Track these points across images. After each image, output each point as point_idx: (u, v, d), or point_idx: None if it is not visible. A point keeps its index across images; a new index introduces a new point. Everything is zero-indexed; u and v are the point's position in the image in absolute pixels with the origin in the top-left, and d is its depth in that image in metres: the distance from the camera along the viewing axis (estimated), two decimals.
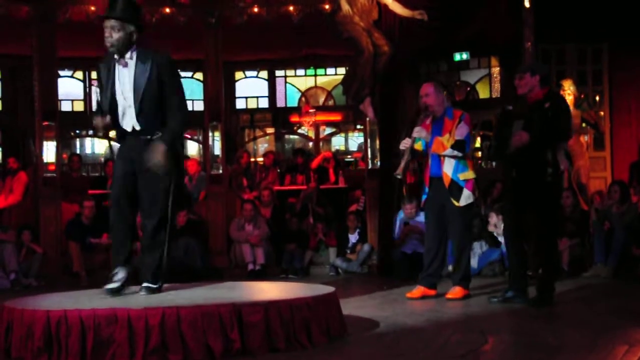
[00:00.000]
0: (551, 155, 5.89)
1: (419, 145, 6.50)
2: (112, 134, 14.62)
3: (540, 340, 4.58)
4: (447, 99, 6.76)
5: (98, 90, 4.91)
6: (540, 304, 5.93)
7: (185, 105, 4.91)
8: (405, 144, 6.45)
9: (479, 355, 4.23)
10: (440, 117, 6.46)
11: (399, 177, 6.60)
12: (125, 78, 4.76)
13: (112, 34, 4.68)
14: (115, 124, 4.85)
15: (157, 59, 4.74)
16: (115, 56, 4.76)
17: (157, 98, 4.76)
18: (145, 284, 4.87)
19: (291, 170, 11.92)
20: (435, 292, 6.48)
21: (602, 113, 10.16)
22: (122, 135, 4.90)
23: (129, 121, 4.81)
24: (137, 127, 4.80)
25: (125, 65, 4.74)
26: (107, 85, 4.79)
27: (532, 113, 5.88)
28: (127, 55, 4.74)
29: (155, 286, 4.87)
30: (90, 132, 15.25)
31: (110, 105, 4.80)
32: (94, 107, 4.97)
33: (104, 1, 9.53)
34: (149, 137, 4.78)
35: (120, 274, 4.82)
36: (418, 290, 6.52)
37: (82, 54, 11.90)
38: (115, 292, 4.76)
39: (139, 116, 4.75)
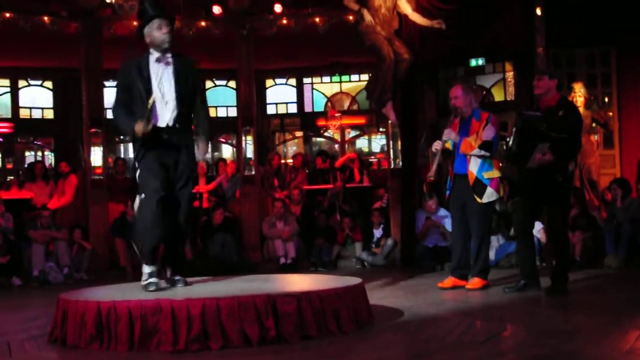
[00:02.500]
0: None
1: (449, 145, 6.46)
2: None
3: (555, 326, 4.53)
4: (476, 101, 6.67)
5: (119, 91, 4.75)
6: (555, 292, 5.88)
7: (209, 117, 5.03)
8: (436, 146, 6.41)
9: (498, 341, 4.20)
10: (468, 118, 6.41)
11: (432, 179, 6.54)
12: (163, 75, 4.68)
13: (169, 32, 4.66)
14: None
15: (193, 62, 4.77)
16: (157, 55, 4.70)
17: (189, 100, 4.76)
18: (176, 278, 4.89)
19: (320, 174, 11.86)
20: (466, 283, 6.42)
21: (611, 113, 10.03)
22: (152, 133, 4.69)
23: (166, 117, 4.72)
24: (172, 123, 4.72)
25: (168, 63, 4.69)
26: (137, 82, 4.66)
27: (548, 120, 5.78)
28: (168, 55, 4.70)
29: (184, 280, 4.90)
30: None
31: (139, 102, 4.66)
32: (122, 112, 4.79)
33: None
34: (180, 137, 4.74)
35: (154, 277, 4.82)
36: (449, 280, 6.49)
37: None
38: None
39: (179, 112, 4.70)
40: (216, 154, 15.24)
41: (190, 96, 4.75)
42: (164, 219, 4.71)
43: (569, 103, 6.29)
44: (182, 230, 4.90)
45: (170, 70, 4.70)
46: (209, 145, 4.89)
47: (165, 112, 4.73)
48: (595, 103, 9.68)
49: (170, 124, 4.74)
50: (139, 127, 4.61)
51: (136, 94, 4.70)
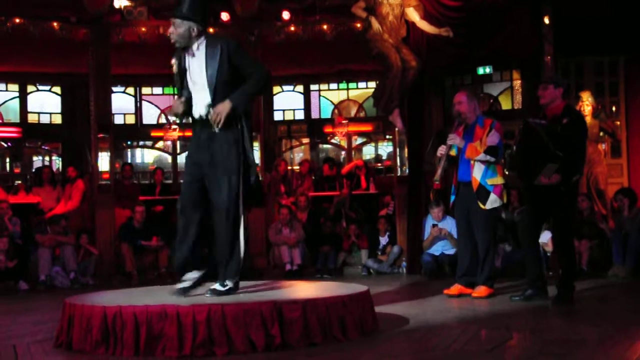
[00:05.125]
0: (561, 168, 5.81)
1: (453, 152, 6.46)
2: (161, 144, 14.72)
3: (562, 335, 4.52)
4: (479, 108, 6.68)
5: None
6: (561, 302, 5.86)
7: (264, 71, 4.70)
8: (441, 151, 6.42)
9: (504, 350, 4.19)
10: (472, 124, 6.41)
11: (437, 182, 6.53)
12: (194, 66, 4.71)
13: (174, 30, 4.70)
14: (189, 112, 4.78)
15: (225, 45, 4.67)
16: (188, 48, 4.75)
17: (229, 83, 4.64)
18: (212, 286, 4.72)
19: (326, 181, 11.86)
20: (472, 290, 6.41)
21: (618, 122, 10.01)
22: (194, 125, 4.81)
23: (200, 108, 4.72)
24: (205, 114, 4.67)
25: (193, 55, 4.71)
26: (179, 76, 4.77)
27: (552, 129, 5.78)
28: (194, 47, 4.69)
29: (222, 289, 4.68)
30: (141, 143, 15.46)
31: (185, 94, 4.78)
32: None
33: (152, 23, 9.75)
34: (214, 130, 4.62)
35: (191, 274, 4.74)
36: (455, 287, 6.48)
37: (134, 71, 12.10)
38: (185, 291, 4.67)
39: (213, 101, 4.65)
40: None
41: (226, 82, 4.64)
42: (193, 228, 4.76)
43: (574, 111, 6.26)
44: (218, 236, 4.79)
45: (196, 60, 4.70)
46: (228, 106, 4.52)
47: (199, 103, 4.72)
48: (602, 112, 9.66)
49: (203, 114, 4.71)
50: (172, 105, 4.84)
51: (180, 86, 4.86)
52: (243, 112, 4.66)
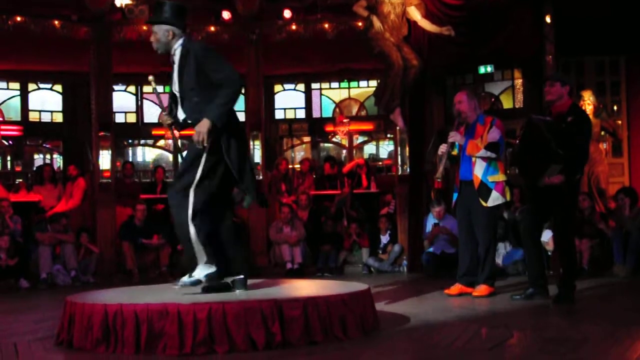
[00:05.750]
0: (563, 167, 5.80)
1: (455, 151, 6.47)
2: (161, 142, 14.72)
3: (562, 334, 4.52)
4: (480, 107, 6.68)
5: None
6: (562, 301, 5.86)
7: (233, 79, 4.52)
8: (442, 149, 6.43)
9: (505, 348, 4.20)
10: (472, 123, 6.42)
11: (439, 180, 6.54)
12: (175, 73, 4.76)
13: (154, 37, 4.75)
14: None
15: (192, 50, 4.64)
16: None
17: (197, 89, 4.60)
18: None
19: (327, 179, 11.86)
20: (472, 289, 6.40)
21: (620, 122, 10.01)
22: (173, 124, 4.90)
23: (180, 112, 4.79)
24: (181, 119, 4.77)
25: (174, 62, 4.75)
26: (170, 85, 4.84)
27: (556, 127, 5.76)
28: (172, 52, 4.73)
29: (186, 280, 4.61)
30: (142, 141, 15.48)
31: (173, 100, 4.83)
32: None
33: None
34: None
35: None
36: (456, 287, 6.48)
37: (135, 70, 12.10)
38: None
39: (182, 106, 4.74)
40: None
41: (193, 89, 4.63)
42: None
43: (579, 110, 6.24)
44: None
45: (175, 67, 4.74)
46: (206, 124, 4.45)
47: (180, 109, 4.79)
48: (604, 111, 9.66)
49: (180, 119, 4.81)
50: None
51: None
52: (223, 124, 4.52)
